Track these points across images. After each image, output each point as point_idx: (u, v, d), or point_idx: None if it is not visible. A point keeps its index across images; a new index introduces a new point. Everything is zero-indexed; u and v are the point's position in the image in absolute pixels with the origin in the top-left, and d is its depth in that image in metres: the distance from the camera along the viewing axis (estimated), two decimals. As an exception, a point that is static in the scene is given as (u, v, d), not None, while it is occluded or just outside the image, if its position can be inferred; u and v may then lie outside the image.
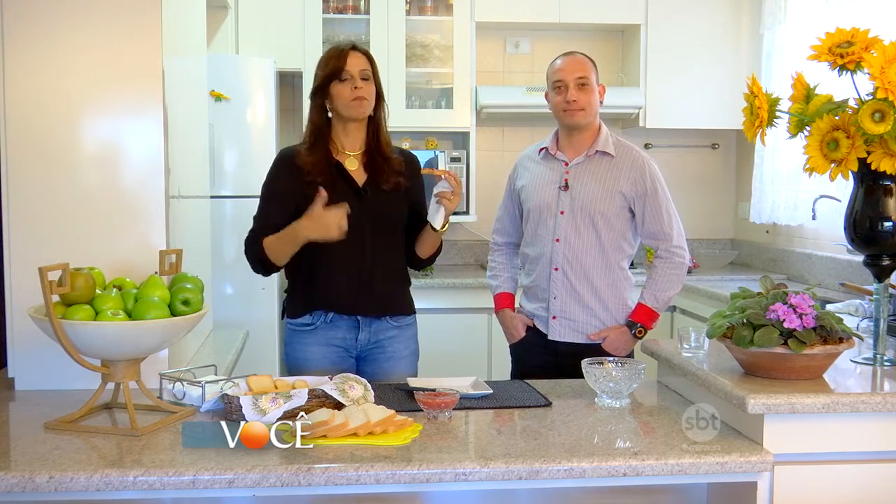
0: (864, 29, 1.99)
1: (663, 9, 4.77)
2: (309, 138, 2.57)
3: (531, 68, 5.03)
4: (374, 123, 2.59)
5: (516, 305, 2.98)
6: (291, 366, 2.63)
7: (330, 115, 2.57)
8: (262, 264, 2.54)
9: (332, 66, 2.52)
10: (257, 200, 2.63)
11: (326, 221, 2.37)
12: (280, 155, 2.64)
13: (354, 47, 2.56)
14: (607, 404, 2.14)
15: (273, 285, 4.10)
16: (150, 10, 2.24)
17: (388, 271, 2.60)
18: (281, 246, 2.48)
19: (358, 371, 2.59)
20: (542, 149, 2.89)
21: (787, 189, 4.39)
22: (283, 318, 2.70)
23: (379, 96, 2.58)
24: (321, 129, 2.56)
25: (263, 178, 2.62)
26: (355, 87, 2.50)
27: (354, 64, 2.52)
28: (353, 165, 2.57)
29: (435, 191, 2.53)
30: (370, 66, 2.56)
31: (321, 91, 2.54)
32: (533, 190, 2.86)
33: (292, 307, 2.63)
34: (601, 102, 2.82)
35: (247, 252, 2.57)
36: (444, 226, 2.55)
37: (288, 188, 2.52)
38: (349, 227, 2.42)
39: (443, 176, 2.50)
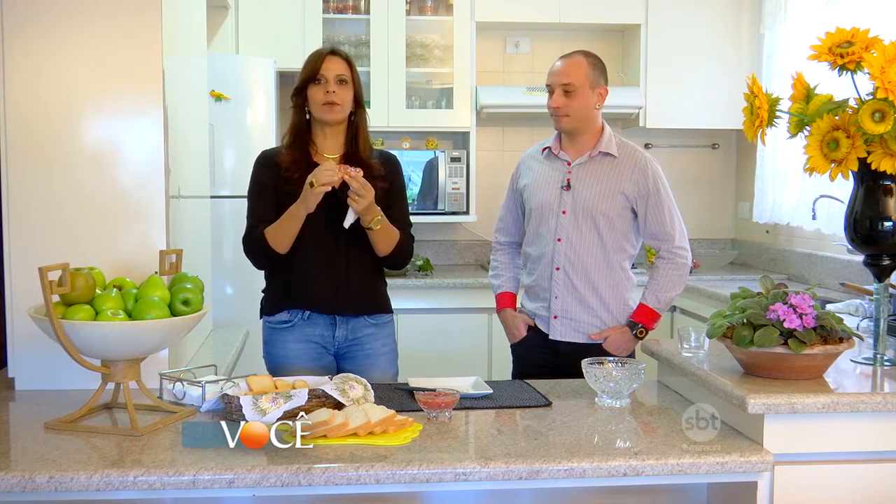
0: (864, 29, 1.99)
1: (663, 9, 4.77)
2: (288, 138, 2.62)
3: (531, 68, 5.03)
4: (354, 127, 2.61)
5: (518, 305, 2.98)
6: (272, 364, 2.64)
7: (308, 117, 2.61)
8: (263, 252, 2.52)
9: (310, 69, 2.56)
10: None
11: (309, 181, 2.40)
12: (261, 156, 2.68)
13: (333, 51, 2.60)
14: (607, 404, 2.14)
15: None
16: (150, 10, 2.24)
17: (365, 271, 2.62)
18: (282, 226, 2.48)
19: (337, 368, 2.62)
20: (545, 148, 2.89)
21: (787, 189, 4.39)
22: (260, 317, 2.71)
23: (358, 103, 2.60)
24: (300, 129, 2.60)
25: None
26: (328, 92, 2.53)
27: (331, 68, 2.54)
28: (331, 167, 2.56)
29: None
30: (349, 70, 2.57)
31: (300, 93, 2.58)
32: (535, 189, 2.86)
33: (269, 304, 2.66)
34: (598, 106, 2.79)
35: (246, 246, 2.58)
36: (372, 223, 2.47)
37: (271, 185, 2.56)
38: (326, 228, 2.50)
39: (343, 177, 2.40)
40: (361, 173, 2.43)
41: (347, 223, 2.47)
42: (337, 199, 2.49)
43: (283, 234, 2.49)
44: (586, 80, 2.74)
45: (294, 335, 2.61)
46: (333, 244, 2.55)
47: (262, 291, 2.71)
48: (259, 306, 2.72)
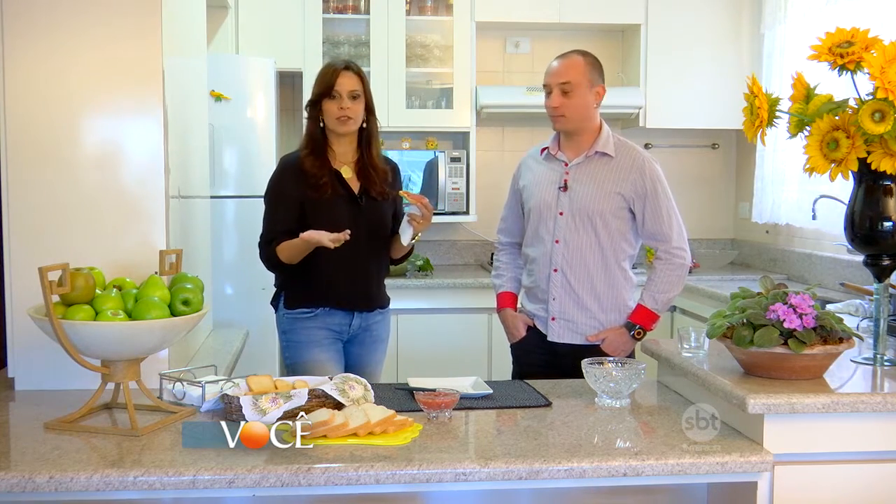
0: (864, 29, 1.99)
1: (663, 9, 4.76)
2: (307, 146, 2.79)
3: (531, 68, 5.03)
4: (367, 135, 2.82)
5: (518, 305, 2.98)
6: (292, 352, 2.82)
7: (322, 125, 2.80)
8: (276, 265, 2.78)
9: (324, 84, 2.74)
10: (258, 201, 2.84)
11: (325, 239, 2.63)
12: (283, 162, 2.85)
13: (347, 67, 2.77)
14: (607, 404, 2.14)
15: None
16: (150, 10, 2.24)
17: (380, 272, 2.90)
18: (297, 249, 2.69)
19: (345, 352, 2.85)
20: (543, 149, 2.89)
21: (787, 189, 4.39)
22: (276, 310, 2.89)
23: (369, 111, 2.80)
24: (317, 138, 2.79)
25: (264, 179, 2.86)
26: (341, 107, 2.71)
27: (344, 84, 2.73)
28: (349, 174, 2.80)
29: (408, 210, 2.77)
30: (361, 85, 2.76)
31: (315, 105, 2.77)
32: (533, 190, 2.86)
33: (291, 300, 2.83)
34: (597, 105, 2.78)
35: (262, 255, 2.80)
36: (412, 239, 2.77)
37: (294, 192, 2.74)
38: (350, 236, 2.67)
39: (416, 204, 2.69)
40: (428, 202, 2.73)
41: (407, 240, 2.75)
42: (358, 205, 2.75)
43: (297, 255, 2.70)
44: (584, 79, 2.74)
45: (316, 322, 2.80)
46: (356, 251, 2.71)
47: (277, 286, 2.88)
48: (273, 299, 2.89)
